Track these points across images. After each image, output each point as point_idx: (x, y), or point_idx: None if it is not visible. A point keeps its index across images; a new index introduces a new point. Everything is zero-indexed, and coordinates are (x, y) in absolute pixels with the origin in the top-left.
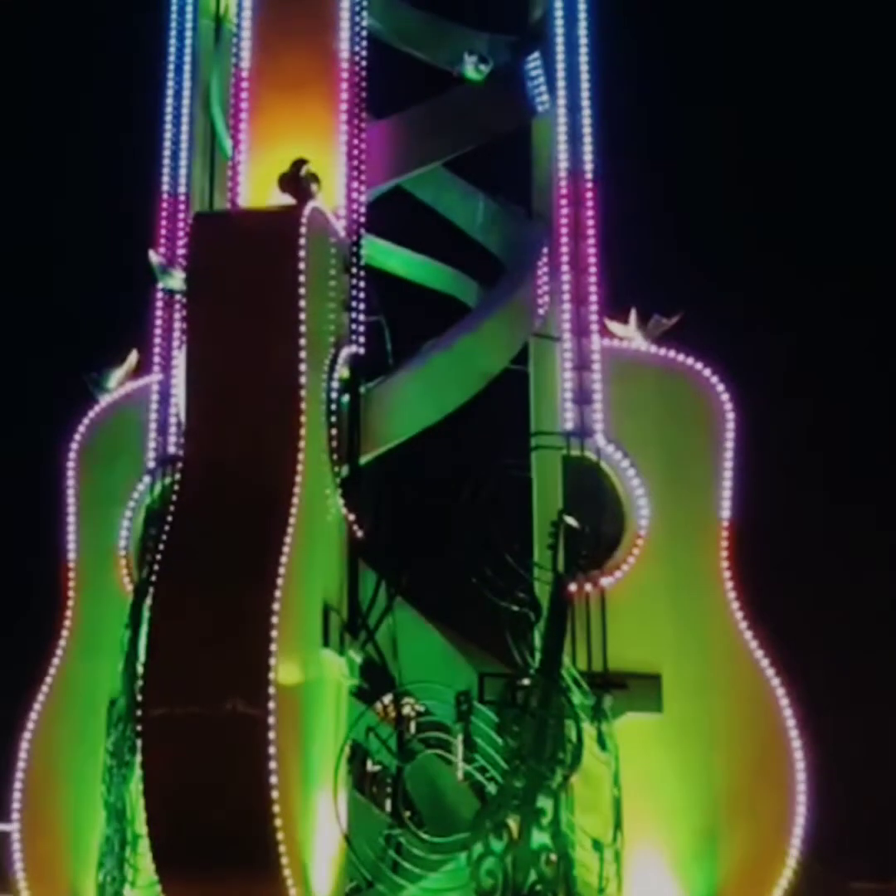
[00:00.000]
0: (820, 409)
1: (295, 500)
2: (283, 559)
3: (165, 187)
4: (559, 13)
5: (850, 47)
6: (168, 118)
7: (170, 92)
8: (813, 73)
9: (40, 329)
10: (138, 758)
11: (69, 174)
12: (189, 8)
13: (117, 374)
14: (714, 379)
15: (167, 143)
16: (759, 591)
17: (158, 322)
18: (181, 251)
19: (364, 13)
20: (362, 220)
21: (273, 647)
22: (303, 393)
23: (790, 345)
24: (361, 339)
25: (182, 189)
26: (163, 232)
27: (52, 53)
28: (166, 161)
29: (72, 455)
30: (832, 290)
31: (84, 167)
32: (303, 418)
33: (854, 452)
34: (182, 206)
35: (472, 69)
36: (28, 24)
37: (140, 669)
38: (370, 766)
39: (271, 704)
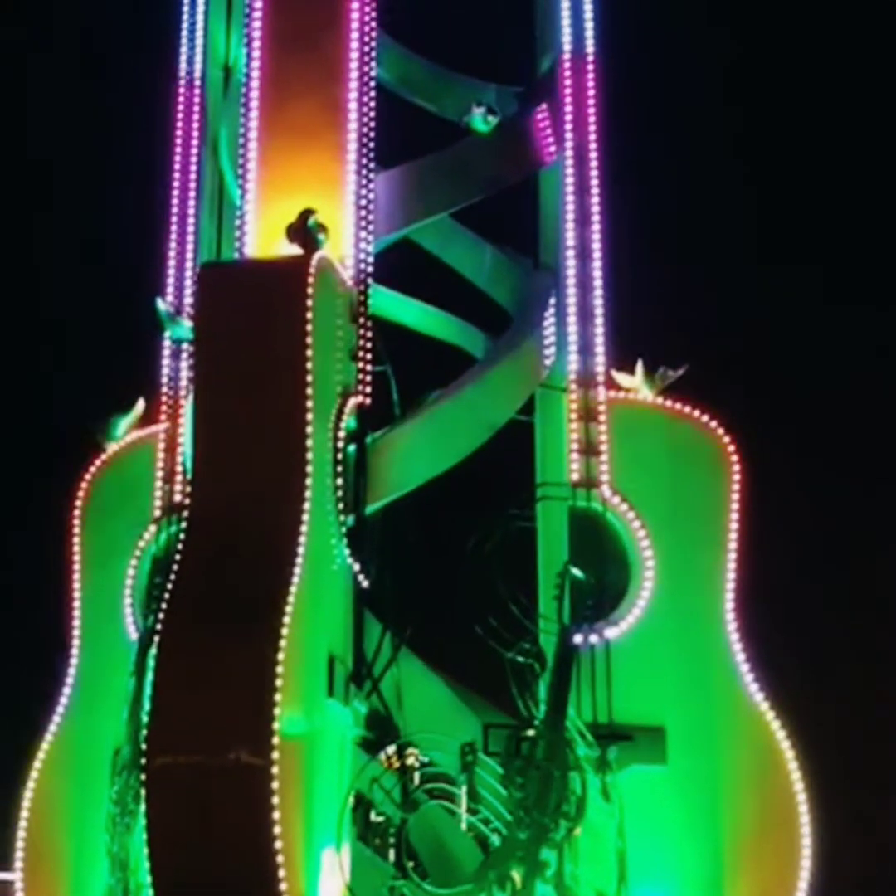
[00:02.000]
0: (827, 456)
1: (300, 549)
2: (288, 609)
3: (173, 233)
4: (567, 65)
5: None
6: (176, 167)
7: (178, 141)
8: (835, 117)
9: (47, 377)
10: (142, 807)
11: (75, 224)
12: (198, 58)
13: (124, 423)
14: (720, 430)
15: (175, 191)
16: (764, 644)
17: (165, 371)
18: (188, 300)
19: (372, 64)
20: (369, 269)
21: (277, 696)
22: (309, 443)
23: (798, 395)
24: (368, 389)
25: (190, 236)
26: (170, 280)
27: (55, 103)
28: (174, 208)
29: (78, 503)
30: (846, 339)
31: (90, 220)
32: (309, 468)
33: (863, 504)
34: (190, 254)
35: (481, 120)
36: (29, 68)
37: (144, 718)
38: (374, 817)
39: (275, 754)
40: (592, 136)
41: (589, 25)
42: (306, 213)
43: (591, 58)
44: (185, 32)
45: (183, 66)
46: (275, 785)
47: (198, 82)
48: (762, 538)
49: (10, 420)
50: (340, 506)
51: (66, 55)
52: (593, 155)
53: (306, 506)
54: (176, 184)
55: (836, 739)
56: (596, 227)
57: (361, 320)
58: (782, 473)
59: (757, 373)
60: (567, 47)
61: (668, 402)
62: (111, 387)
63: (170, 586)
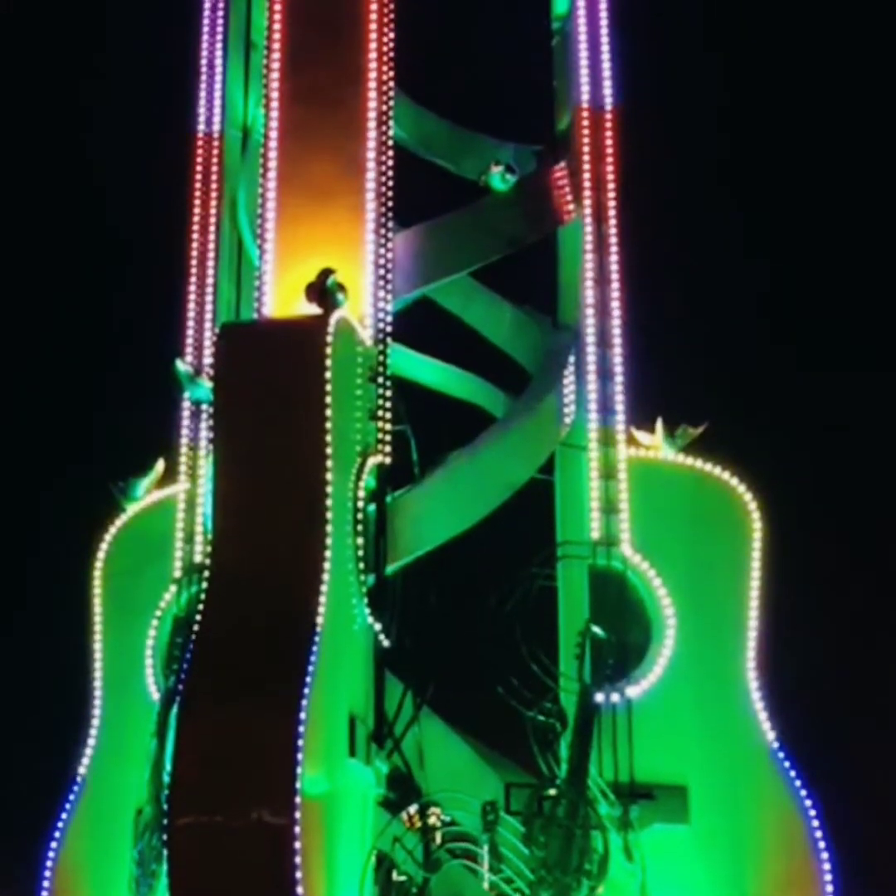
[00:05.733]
0: (853, 513)
1: (321, 609)
2: (310, 669)
3: (192, 294)
4: (585, 123)
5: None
6: (195, 228)
7: (196, 201)
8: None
9: (67, 438)
10: (164, 867)
11: (94, 284)
12: (216, 119)
13: (144, 483)
14: (741, 488)
15: (194, 253)
16: (787, 701)
17: (185, 431)
18: (208, 360)
19: (390, 123)
20: (388, 329)
21: (299, 756)
22: (329, 502)
23: (822, 451)
24: (388, 449)
25: (209, 297)
26: (189, 341)
27: (71, 159)
28: (193, 269)
29: (98, 563)
30: (873, 394)
31: (108, 282)
32: (329, 527)
33: (885, 561)
34: (209, 315)
35: (499, 179)
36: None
37: (166, 778)
38: (396, 877)
39: (297, 814)
40: (611, 194)
41: (607, 83)
42: (325, 273)
43: (609, 116)
44: (203, 92)
45: (200, 126)
46: (297, 845)
47: (216, 142)
48: (784, 595)
49: (31, 480)
50: (361, 565)
51: (83, 111)
52: (612, 212)
53: (327, 565)
54: (194, 245)
55: (862, 799)
56: (615, 284)
57: (380, 380)
58: (806, 530)
59: (779, 429)
60: (585, 106)
61: (689, 460)
62: (131, 448)
63: (191, 646)
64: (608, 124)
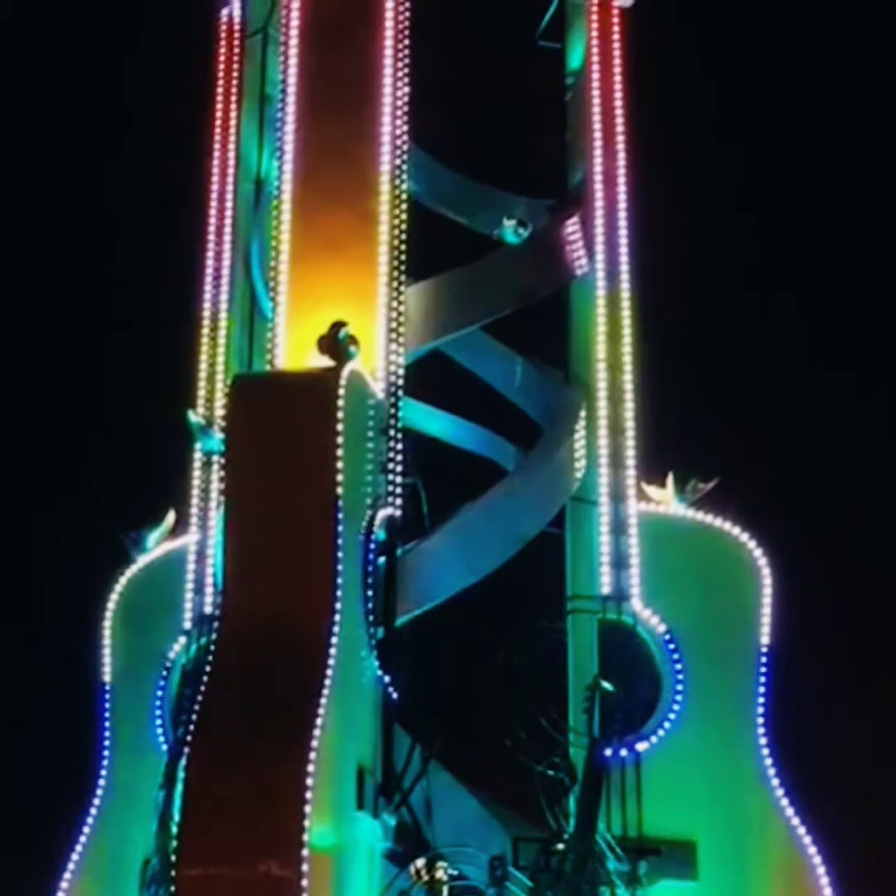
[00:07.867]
0: (865, 569)
1: (330, 662)
2: (318, 722)
3: (204, 345)
4: (598, 178)
5: None
6: (208, 280)
7: (210, 254)
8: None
9: (78, 488)
10: None
11: (106, 334)
12: (230, 171)
13: (155, 534)
14: (751, 543)
15: (207, 305)
16: (795, 757)
17: (196, 482)
18: (220, 412)
19: (404, 177)
20: (400, 382)
21: (307, 809)
22: (339, 554)
23: (833, 506)
24: (398, 501)
25: (221, 348)
26: (201, 392)
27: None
28: (206, 322)
29: (108, 614)
30: (874, 458)
31: (120, 332)
32: (339, 580)
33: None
34: (221, 367)
35: (512, 233)
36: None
37: (174, 830)
38: None
39: (304, 867)
40: (623, 249)
41: (620, 139)
42: (337, 326)
43: (622, 171)
44: (216, 146)
45: (215, 178)
46: None
47: (229, 195)
48: (795, 652)
49: (41, 531)
50: (370, 618)
51: (97, 165)
52: (624, 268)
53: (336, 618)
54: (207, 297)
55: (870, 857)
56: (627, 339)
57: (391, 432)
58: (816, 587)
59: (790, 485)
60: (598, 160)
61: (699, 515)
62: (142, 499)
63: (200, 698)
64: (621, 180)
